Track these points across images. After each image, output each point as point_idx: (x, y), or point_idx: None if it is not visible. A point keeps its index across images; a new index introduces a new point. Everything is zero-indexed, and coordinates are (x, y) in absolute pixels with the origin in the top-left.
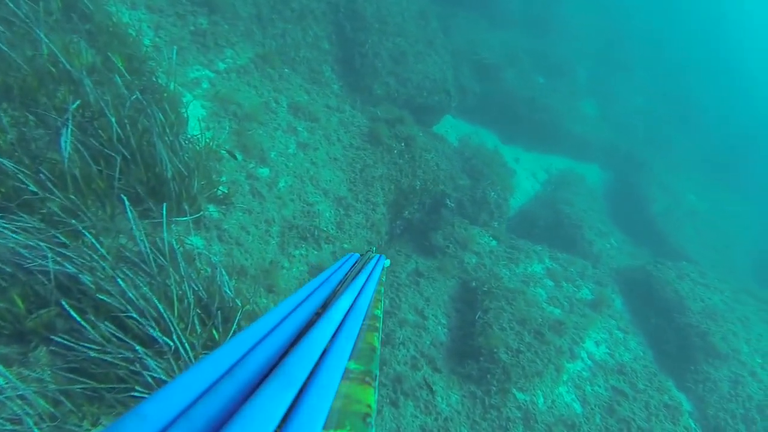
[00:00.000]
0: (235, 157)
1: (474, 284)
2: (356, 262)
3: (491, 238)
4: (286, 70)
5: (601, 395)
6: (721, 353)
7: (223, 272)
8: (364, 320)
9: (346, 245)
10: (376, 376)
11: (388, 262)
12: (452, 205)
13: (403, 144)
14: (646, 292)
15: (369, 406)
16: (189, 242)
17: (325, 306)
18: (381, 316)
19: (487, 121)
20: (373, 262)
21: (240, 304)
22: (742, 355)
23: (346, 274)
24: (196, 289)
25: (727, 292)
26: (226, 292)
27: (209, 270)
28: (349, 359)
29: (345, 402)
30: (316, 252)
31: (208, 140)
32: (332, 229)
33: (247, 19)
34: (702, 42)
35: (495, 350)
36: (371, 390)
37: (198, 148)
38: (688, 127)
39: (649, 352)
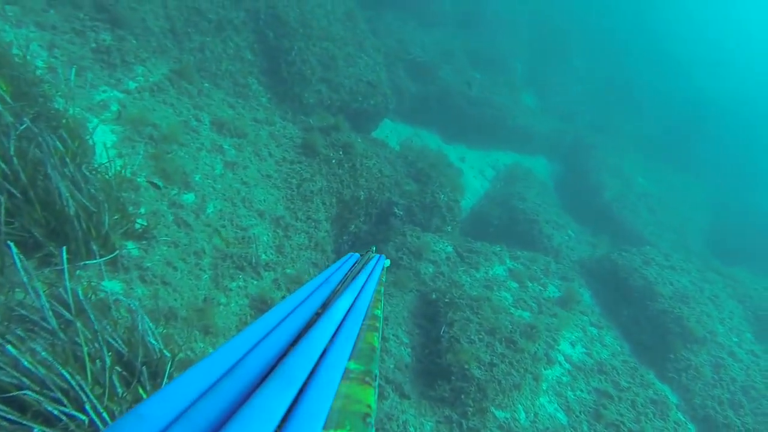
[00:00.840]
0: (155, 185)
1: (434, 296)
2: (356, 262)
3: (446, 244)
4: (206, 84)
5: (585, 400)
6: (699, 337)
7: (146, 319)
8: (364, 320)
9: (289, 270)
10: (376, 375)
11: (388, 262)
12: (401, 213)
13: (341, 152)
14: (613, 282)
15: (369, 406)
16: (103, 288)
17: (325, 306)
18: (381, 316)
19: (427, 121)
20: (373, 262)
21: (169, 355)
22: (718, 336)
23: (346, 274)
24: (114, 343)
25: (693, 273)
26: (151, 342)
27: (130, 318)
28: (349, 359)
29: (345, 402)
30: (255, 282)
31: (119, 168)
32: (272, 254)
33: (160, 34)
34: (636, 25)
35: (466, 366)
36: (371, 390)
37: (108, 178)
38: (629, 111)
39: (625, 345)
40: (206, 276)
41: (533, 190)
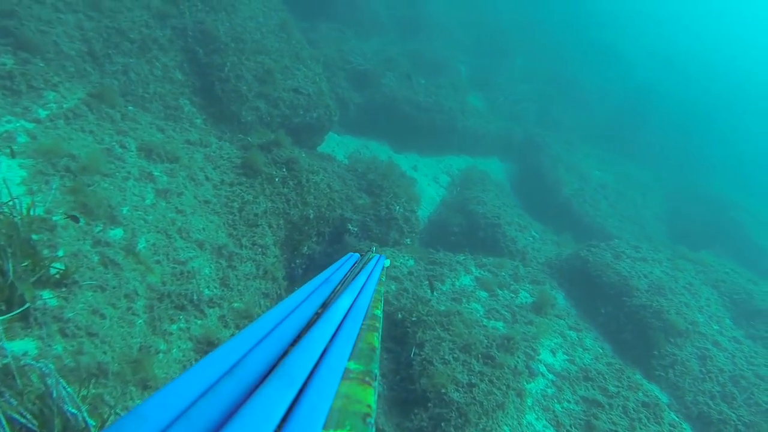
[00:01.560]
0: (74, 218)
1: (400, 315)
2: (356, 262)
3: (407, 258)
4: (130, 108)
5: (574, 412)
6: (681, 329)
7: (62, 383)
8: (363, 320)
9: (237, 304)
10: (376, 375)
11: (388, 262)
12: (355, 229)
13: (284, 169)
14: (586, 281)
15: (369, 406)
16: (11, 349)
17: (325, 306)
18: (381, 316)
19: (375, 131)
20: (373, 262)
21: (94, 423)
22: (700, 326)
23: (346, 274)
24: (22, 419)
25: (664, 262)
26: (70, 411)
27: (43, 384)
28: (349, 359)
29: (345, 402)
30: (199, 321)
31: (28, 207)
32: (216, 288)
33: (77, 58)
34: (572, 19)
35: (443, 390)
36: (371, 390)
37: (16, 219)
38: (575, 105)
39: (607, 346)
40: (141, 321)
41: (491, 192)
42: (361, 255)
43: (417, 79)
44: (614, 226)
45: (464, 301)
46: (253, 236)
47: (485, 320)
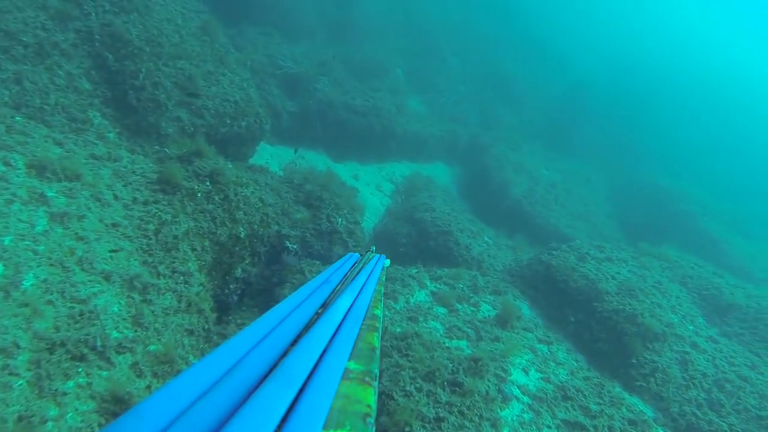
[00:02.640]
0: None
1: None
2: (356, 262)
3: None
4: (18, 118)
5: None
6: (657, 333)
7: None
8: (363, 320)
9: (153, 347)
10: (376, 375)
11: (388, 262)
12: (294, 246)
13: (208, 183)
14: (551, 287)
15: (369, 406)
16: None
17: (325, 306)
18: (381, 315)
19: (312, 140)
20: (373, 262)
21: None
22: (676, 327)
23: (346, 274)
24: None
25: (630, 261)
26: None
27: None
28: (349, 359)
29: (345, 402)
30: (104, 373)
31: None
32: (127, 328)
33: None
34: (503, 18)
35: (407, 430)
36: (371, 390)
37: None
38: (513, 105)
39: (581, 357)
40: (22, 382)
41: (438, 198)
42: (360, 255)
43: (353, 83)
44: (568, 225)
45: (421, 319)
46: (173, 262)
47: (447, 340)
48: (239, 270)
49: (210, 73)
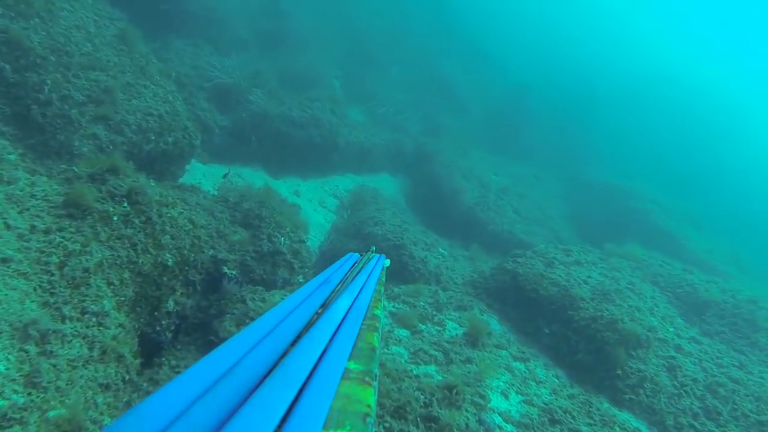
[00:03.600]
0: None
1: None
2: (356, 262)
3: None
4: None
5: None
6: (641, 338)
7: None
8: (363, 320)
9: (55, 411)
10: (376, 375)
11: (388, 262)
12: (233, 272)
13: (126, 204)
14: (520, 297)
15: (369, 406)
16: None
17: (325, 306)
18: (381, 315)
19: (248, 156)
20: (373, 262)
21: None
22: (658, 331)
23: (346, 274)
24: None
25: (599, 263)
26: None
27: None
28: (349, 359)
29: (345, 402)
30: None
31: None
32: (16, 392)
33: None
34: (445, 26)
35: None
36: (371, 390)
37: None
38: (456, 111)
39: (561, 372)
40: None
41: (387, 211)
42: (360, 255)
43: (289, 95)
44: (524, 231)
45: (382, 345)
46: (83, 301)
47: (414, 366)
48: (171, 303)
49: (130, 85)
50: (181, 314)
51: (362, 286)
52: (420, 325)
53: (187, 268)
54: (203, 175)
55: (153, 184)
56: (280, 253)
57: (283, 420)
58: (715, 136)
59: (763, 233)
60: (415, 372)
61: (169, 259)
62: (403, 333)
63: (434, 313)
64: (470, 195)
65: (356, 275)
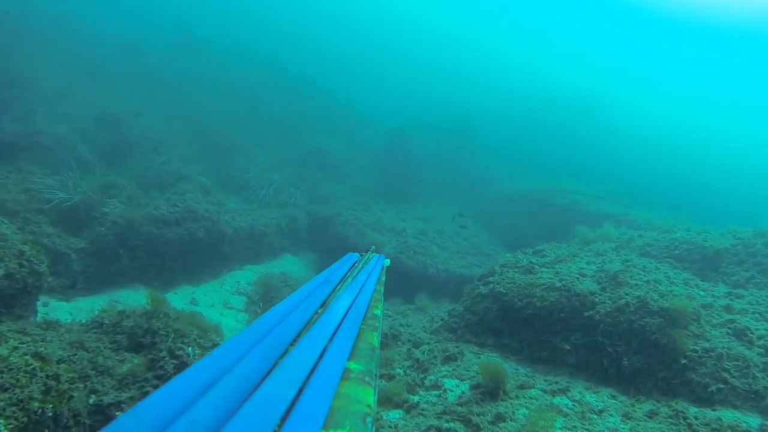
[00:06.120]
0: None
1: None
2: (356, 262)
3: None
4: None
5: None
6: (688, 311)
7: None
8: (363, 320)
9: None
10: (376, 375)
11: (388, 262)
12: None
13: None
14: (514, 320)
15: (369, 406)
16: None
17: (325, 306)
18: (381, 315)
19: (121, 277)
20: (372, 261)
21: None
22: (695, 298)
23: (346, 274)
24: None
25: (581, 254)
26: None
27: None
28: (349, 359)
29: (345, 402)
30: None
31: None
32: None
33: None
34: (303, 97)
35: None
36: (371, 390)
37: None
38: (340, 176)
39: (611, 390)
40: None
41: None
42: (360, 255)
43: (149, 194)
44: (463, 266)
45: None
46: None
47: None
48: None
49: None
50: None
51: (362, 286)
52: (412, 397)
53: (44, 430)
54: (70, 314)
55: None
56: (186, 364)
57: (283, 419)
58: (592, 130)
59: (671, 203)
60: None
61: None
62: (396, 414)
63: (421, 376)
64: (389, 246)
65: (356, 275)
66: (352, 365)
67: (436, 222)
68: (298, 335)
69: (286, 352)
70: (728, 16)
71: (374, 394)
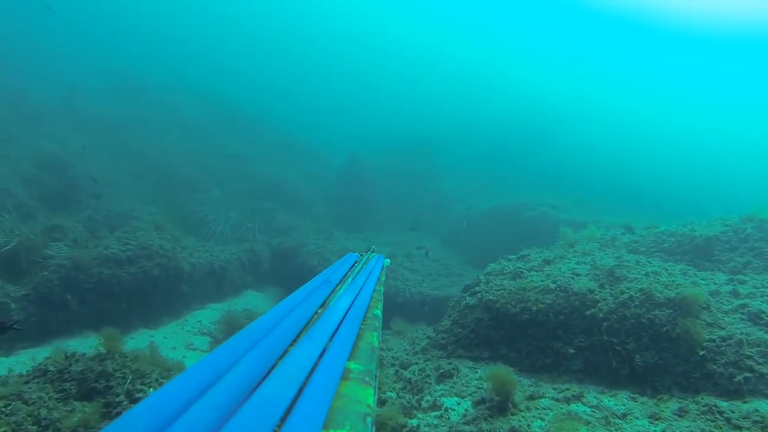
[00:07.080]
0: None
1: None
2: (356, 262)
3: None
4: None
5: None
6: (699, 300)
7: None
8: (363, 320)
9: None
10: (375, 375)
11: (388, 262)
12: None
13: None
14: (510, 329)
15: (369, 406)
16: None
17: (325, 305)
18: (381, 315)
19: (69, 324)
20: (372, 261)
21: None
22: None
23: (346, 274)
24: None
25: (569, 255)
26: None
27: None
28: (349, 359)
29: (345, 402)
30: None
31: None
32: None
33: None
34: (256, 132)
35: None
36: (371, 390)
37: None
38: (297, 208)
39: (627, 392)
40: None
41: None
42: (360, 255)
43: (98, 234)
44: (435, 287)
45: None
46: None
47: None
48: None
49: None
50: None
51: (362, 286)
52: (410, 420)
53: None
54: (9, 369)
55: None
56: None
57: (283, 419)
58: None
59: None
60: None
61: None
62: None
63: (416, 397)
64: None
65: (356, 275)
66: (352, 365)
67: (402, 247)
68: (298, 335)
69: (286, 352)
70: (697, 23)
71: (374, 395)
